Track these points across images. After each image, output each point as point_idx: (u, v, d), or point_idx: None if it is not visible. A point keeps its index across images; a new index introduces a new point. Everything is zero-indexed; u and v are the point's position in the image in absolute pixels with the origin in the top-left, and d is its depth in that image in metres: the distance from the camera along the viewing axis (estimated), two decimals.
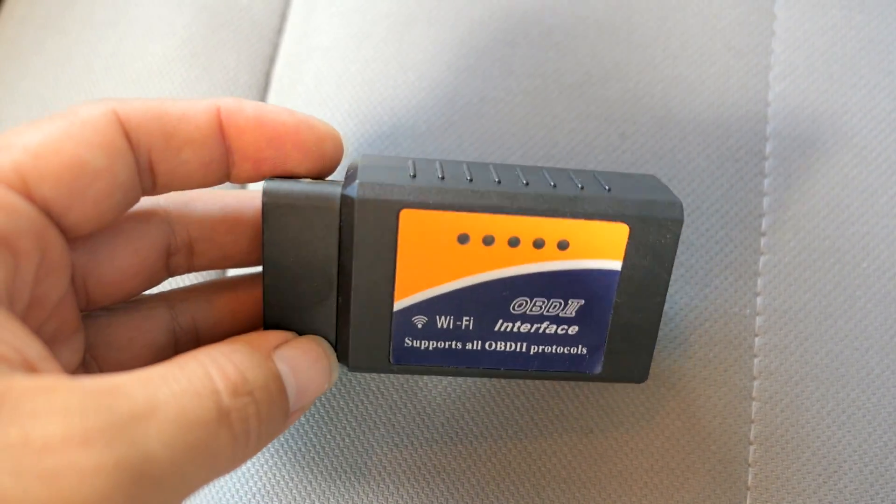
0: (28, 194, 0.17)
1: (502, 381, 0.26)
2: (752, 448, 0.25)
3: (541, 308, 0.22)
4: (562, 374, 0.23)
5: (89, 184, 0.18)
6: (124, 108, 0.19)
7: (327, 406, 0.26)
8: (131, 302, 0.22)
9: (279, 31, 0.31)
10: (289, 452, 0.26)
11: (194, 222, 0.22)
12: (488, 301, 0.22)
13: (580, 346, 0.22)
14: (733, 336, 0.26)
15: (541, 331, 0.22)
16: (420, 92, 0.29)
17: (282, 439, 0.26)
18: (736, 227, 0.27)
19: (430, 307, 0.22)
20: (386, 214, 0.20)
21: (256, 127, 0.20)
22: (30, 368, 0.15)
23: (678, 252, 0.27)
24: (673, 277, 0.27)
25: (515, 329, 0.22)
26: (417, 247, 0.21)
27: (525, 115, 0.29)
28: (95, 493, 0.14)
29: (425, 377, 0.26)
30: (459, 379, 0.26)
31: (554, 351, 0.22)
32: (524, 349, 0.22)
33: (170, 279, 0.24)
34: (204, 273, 0.27)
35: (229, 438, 0.17)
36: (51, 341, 0.19)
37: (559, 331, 0.22)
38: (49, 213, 0.18)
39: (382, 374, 0.26)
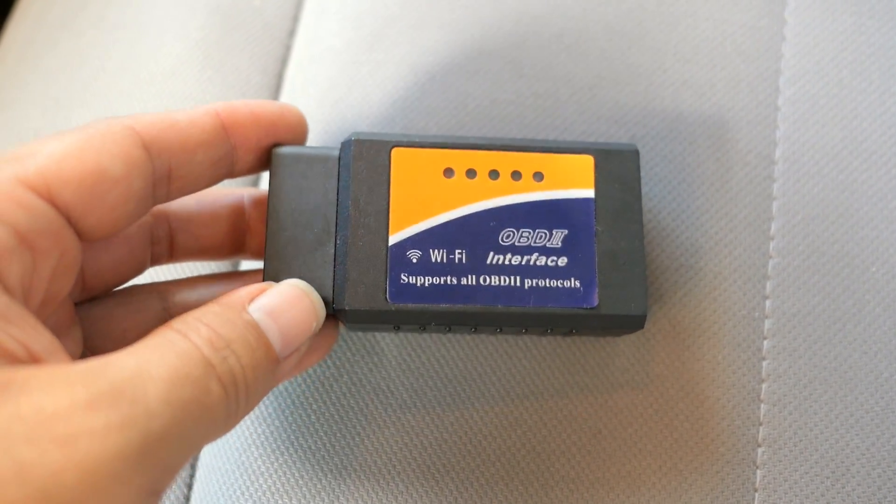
0: (50, 198, 0.18)
1: (510, 381, 0.26)
2: (760, 450, 0.25)
3: (528, 239, 0.23)
4: (560, 313, 0.23)
5: (107, 190, 0.19)
6: (140, 123, 0.20)
7: (337, 405, 0.26)
8: (124, 294, 0.23)
9: (291, 33, 0.32)
10: (298, 451, 0.26)
11: (173, 214, 0.24)
12: (477, 232, 0.23)
13: (573, 279, 0.23)
14: (742, 338, 0.26)
15: (531, 262, 0.23)
16: (431, 94, 0.29)
17: (292, 437, 0.26)
18: (745, 231, 0.27)
19: (424, 241, 0.23)
20: (379, 152, 0.23)
21: (253, 120, 0.22)
22: (35, 360, 0.16)
23: (687, 253, 0.27)
24: (682, 279, 0.27)
25: (507, 261, 0.23)
26: (408, 182, 0.23)
27: (536, 118, 0.29)
28: (108, 451, 0.15)
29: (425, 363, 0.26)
30: (468, 381, 0.26)
31: (548, 284, 0.23)
32: (518, 283, 0.23)
33: (159, 269, 0.25)
34: (193, 267, 0.28)
35: (220, 391, 0.17)
36: (54, 333, 0.20)
37: (549, 262, 0.23)
38: (68, 217, 0.19)
39: (390, 370, 0.26)
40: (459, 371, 0.26)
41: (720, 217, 0.28)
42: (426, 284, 0.23)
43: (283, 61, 0.31)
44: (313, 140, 0.29)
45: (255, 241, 0.25)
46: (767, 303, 0.27)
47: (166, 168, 0.21)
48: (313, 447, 0.26)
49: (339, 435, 0.26)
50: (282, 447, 0.26)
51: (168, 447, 0.16)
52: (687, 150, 0.28)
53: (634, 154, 0.24)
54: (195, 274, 0.28)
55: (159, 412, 0.16)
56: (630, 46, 0.30)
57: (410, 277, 0.23)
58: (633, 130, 0.28)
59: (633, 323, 0.23)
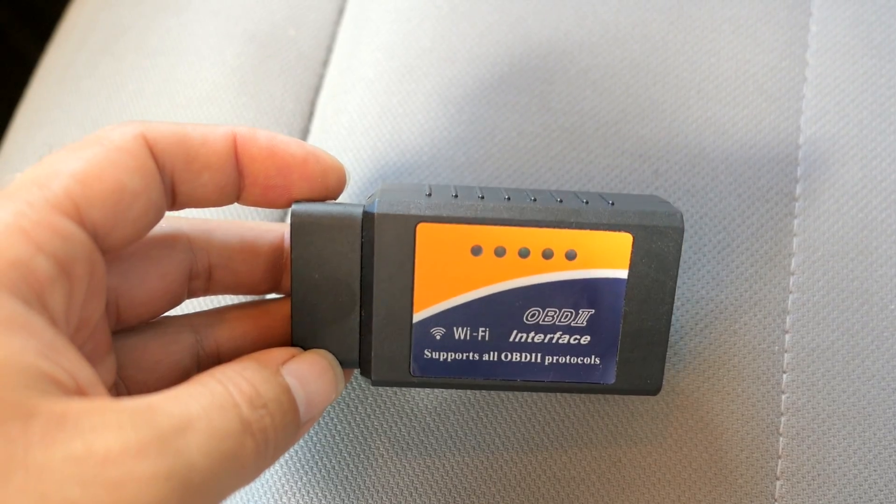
0: (80, 220, 0.18)
1: (532, 408, 0.27)
2: (778, 483, 0.26)
3: (553, 318, 0.23)
4: (577, 386, 0.24)
5: (129, 205, 0.19)
6: (151, 132, 0.20)
7: (361, 426, 0.27)
8: (158, 326, 0.24)
9: (325, 62, 0.33)
10: (322, 471, 0.26)
11: (214, 249, 0.24)
12: (502, 312, 0.23)
13: (593, 356, 0.23)
14: (761, 372, 0.27)
15: (554, 341, 0.23)
16: (460, 125, 0.30)
17: (316, 457, 0.27)
18: (765, 266, 0.28)
19: (448, 318, 0.23)
20: (404, 228, 0.22)
21: (268, 156, 0.22)
22: (81, 392, 0.17)
23: (708, 286, 0.28)
24: (703, 312, 0.27)
25: (529, 339, 0.23)
26: (434, 259, 0.22)
27: (561, 151, 0.30)
28: (153, 499, 0.15)
29: (448, 391, 0.27)
30: (491, 406, 0.27)
31: (568, 361, 0.23)
32: (539, 360, 0.23)
33: (191, 301, 0.25)
34: (223, 298, 0.28)
35: (253, 447, 0.18)
36: (90, 361, 0.20)
37: (572, 340, 0.23)
38: (95, 236, 0.19)
39: (414, 394, 0.27)
40: (482, 395, 0.27)
41: (741, 252, 0.28)
42: (448, 360, 0.23)
43: (316, 90, 0.32)
44: (344, 165, 0.30)
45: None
46: (787, 337, 0.27)
47: (170, 181, 0.21)
48: (337, 468, 0.26)
49: (362, 456, 0.26)
50: (305, 467, 0.27)
51: (204, 497, 0.17)
52: (709, 185, 0.29)
53: (678, 231, 0.22)
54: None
55: (200, 465, 0.16)
56: (654, 83, 0.30)
57: (433, 353, 0.23)
58: (657, 165, 0.29)
59: (646, 394, 0.24)
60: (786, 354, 0.27)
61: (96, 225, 0.19)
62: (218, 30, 0.33)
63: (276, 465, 0.27)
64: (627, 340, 0.23)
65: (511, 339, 0.23)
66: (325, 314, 0.23)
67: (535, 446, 0.26)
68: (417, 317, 0.23)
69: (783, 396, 0.27)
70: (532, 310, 0.23)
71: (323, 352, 0.23)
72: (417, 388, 0.27)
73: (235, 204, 0.23)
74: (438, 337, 0.23)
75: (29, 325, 0.16)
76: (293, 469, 0.27)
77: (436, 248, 0.22)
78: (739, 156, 0.29)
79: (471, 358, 0.23)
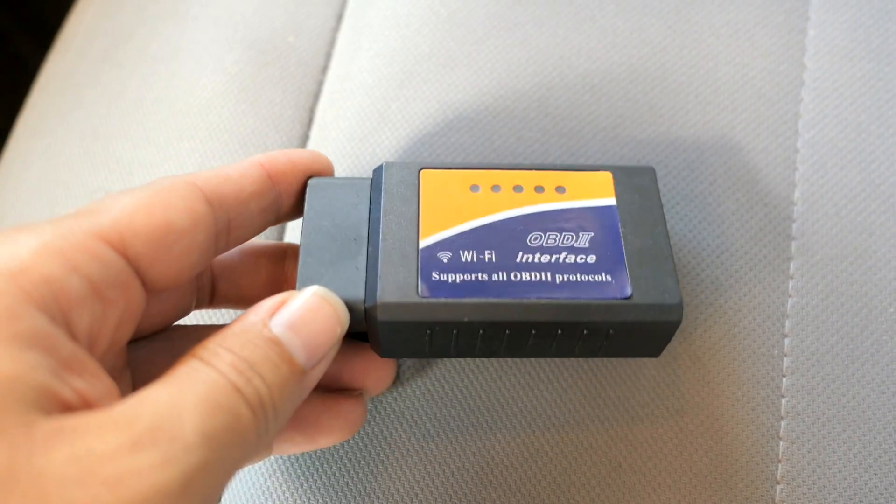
0: (123, 250, 0.19)
1: (532, 413, 0.27)
2: (779, 487, 0.26)
3: (555, 240, 0.24)
4: (595, 305, 0.23)
5: (174, 242, 0.20)
6: (200, 179, 0.22)
7: (361, 433, 0.27)
8: (168, 339, 0.24)
9: (324, 69, 0.33)
10: (322, 478, 0.26)
11: (217, 263, 0.25)
12: (505, 236, 0.24)
13: (603, 273, 0.23)
14: (761, 376, 0.27)
15: (561, 260, 0.24)
16: (459, 130, 0.30)
17: (316, 464, 0.27)
18: (764, 270, 0.28)
19: (453, 243, 0.24)
20: (409, 173, 0.25)
21: (291, 167, 0.24)
22: (89, 406, 0.17)
23: (707, 291, 0.28)
24: (703, 316, 0.27)
25: (536, 259, 0.24)
26: (436, 197, 0.25)
27: (560, 156, 0.30)
28: (152, 489, 0.16)
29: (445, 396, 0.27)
30: (490, 412, 0.27)
31: (578, 279, 0.23)
32: (549, 278, 0.23)
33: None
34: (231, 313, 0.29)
35: (250, 415, 0.18)
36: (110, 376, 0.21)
37: (578, 259, 0.24)
38: (137, 268, 0.20)
39: (413, 399, 0.27)
40: (482, 401, 0.27)
41: (740, 255, 0.28)
42: (457, 281, 0.23)
43: (315, 96, 0.32)
44: (343, 171, 0.30)
45: None
46: (786, 341, 0.27)
47: (226, 220, 0.22)
48: (337, 474, 0.26)
49: (362, 462, 0.26)
50: (306, 473, 0.27)
51: (206, 477, 0.17)
52: (707, 189, 0.29)
53: (651, 170, 0.25)
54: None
55: (196, 445, 0.16)
56: (653, 88, 0.30)
57: (442, 275, 0.23)
58: (655, 169, 0.29)
59: (670, 313, 0.23)
60: (785, 358, 0.27)
61: (139, 256, 0.20)
62: (217, 37, 0.33)
63: (277, 472, 0.27)
64: (633, 258, 0.24)
65: (518, 260, 0.24)
66: (332, 257, 0.24)
67: (534, 452, 0.26)
68: (423, 243, 0.24)
69: (783, 400, 0.27)
70: (534, 233, 0.24)
71: (314, 287, 0.22)
72: (428, 340, 0.24)
73: None
74: (445, 260, 0.23)
75: (48, 340, 0.17)
76: (293, 476, 0.27)
77: (438, 188, 0.25)
78: (738, 160, 0.29)
79: (480, 278, 0.23)
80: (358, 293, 0.23)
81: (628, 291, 0.23)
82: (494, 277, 0.23)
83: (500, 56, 0.31)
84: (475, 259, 0.23)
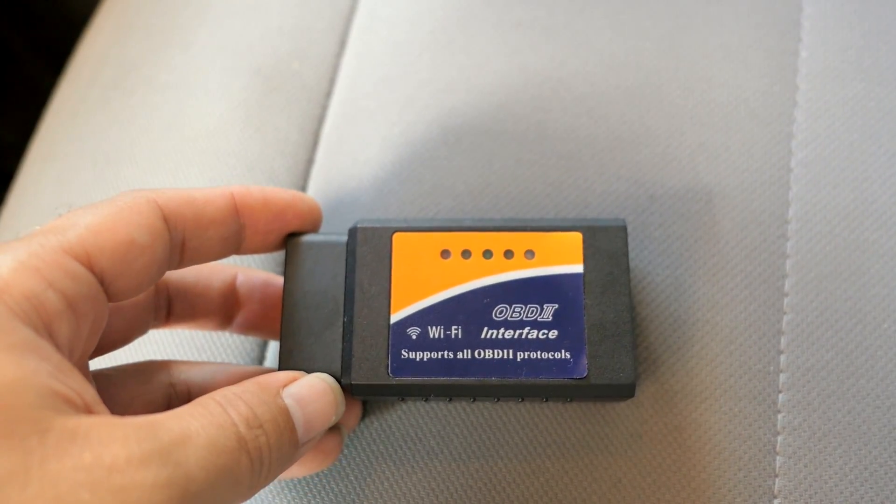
0: (90, 265, 0.20)
1: (534, 430, 0.27)
2: (776, 501, 0.26)
3: (520, 314, 0.25)
4: (552, 385, 0.24)
5: (136, 257, 0.21)
6: (161, 196, 0.23)
7: (367, 450, 0.27)
8: (137, 367, 0.26)
9: (328, 94, 0.34)
10: (329, 494, 0.27)
11: (172, 284, 0.27)
12: (472, 309, 0.25)
13: (563, 351, 0.24)
14: (758, 392, 0.27)
15: (523, 336, 0.25)
16: (459, 154, 0.31)
17: (323, 481, 0.27)
18: (759, 287, 0.28)
19: (422, 318, 0.25)
20: (382, 237, 0.26)
21: (263, 205, 0.25)
22: (88, 410, 0.18)
23: (703, 308, 0.28)
24: (699, 333, 0.28)
25: (500, 336, 0.25)
26: (408, 264, 0.25)
27: (559, 177, 0.30)
28: None
29: (445, 413, 0.27)
30: (493, 429, 0.27)
31: (539, 356, 0.24)
32: (511, 356, 0.24)
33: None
34: (206, 353, 0.30)
35: (248, 464, 0.19)
36: None
37: (540, 335, 0.25)
38: (102, 281, 0.21)
39: (418, 417, 0.28)
40: (485, 419, 0.28)
41: (736, 273, 0.29)
42: (425, 359, 0.25)
43: (320, 121, 0.33)
44: (347, 194, 0.31)
45: (243, 317, 0.28)
46: (782, 357, 0.28)
47: (181, 239, 0.23)
48: (343, 491, 0.27)
49: (367, 480, 0.27)
50: (313, 490, 0.27)
51: None
52: (703, 208, 0.29)
53: (622, 230, 0.25)
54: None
55: (197, 476, 0.18)
56: (648, 110, 0.31)
57: (410, 353, 0.25)
58: (652, 190, 0.30)
59: (622, 391, 0.24)
60: (781, 374, 0.27)
61: (104, 271, 0.21)
62: (224, 64, 0.34)
63: (284, 489, 0.27)
64: (594, 332, 0.24)
65: (483, 336, 0.25)
66: (312, 326, 0.25)
67: (537, 469, 0.27)
68: (394, 317, 0.25)
69: (779, 416, 0.27)
70: (500, 306, 0.25)
71: (324, 375, 0.24)
72: (401, 401, 0.27)
73: None
74: (414, 336, 0.25)
75: (40, 350, 0.18)
76: (300, 493, 0.27)
77: (410, 254, 0.25)
78: (732, 180, 0.30)
79: (446, 356, 0.24)
80: (335, 367, 0.25)
81: (584, 372, 0.24)
82: (460, 356, 0.25)
83: (498, 81, 0.32)
84: (442, 335, 0.25)
